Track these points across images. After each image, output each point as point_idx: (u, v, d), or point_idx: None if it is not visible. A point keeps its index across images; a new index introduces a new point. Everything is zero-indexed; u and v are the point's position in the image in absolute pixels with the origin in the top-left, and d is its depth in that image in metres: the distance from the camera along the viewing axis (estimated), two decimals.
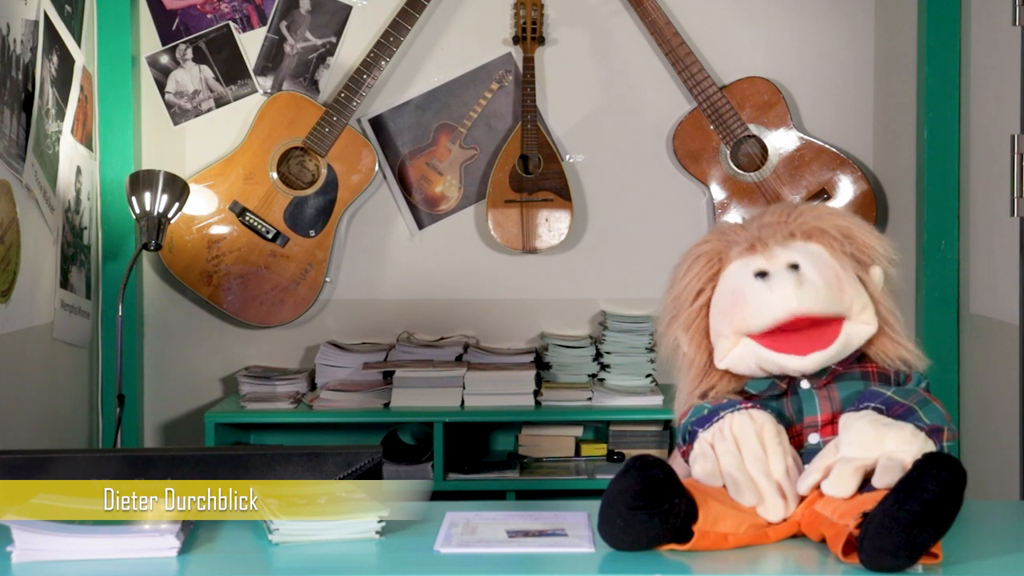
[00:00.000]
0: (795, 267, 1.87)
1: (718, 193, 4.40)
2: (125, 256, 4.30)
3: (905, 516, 1.59)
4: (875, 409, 1.82)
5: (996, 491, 3.65)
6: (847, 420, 1.82)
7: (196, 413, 4.44)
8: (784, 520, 1.80)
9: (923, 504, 1.59)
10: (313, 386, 4.37)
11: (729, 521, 1.74)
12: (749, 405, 1.87)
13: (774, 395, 1.91)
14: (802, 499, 1.81)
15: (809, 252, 1.89)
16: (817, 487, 1.79)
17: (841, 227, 1.93)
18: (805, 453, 1.86)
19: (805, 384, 1.90)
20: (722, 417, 1.86)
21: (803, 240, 1.91)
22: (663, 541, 1.72)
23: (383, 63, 4.34)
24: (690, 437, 1.90)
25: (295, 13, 4.47)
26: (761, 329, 1.86)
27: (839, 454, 1.78)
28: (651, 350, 4.34)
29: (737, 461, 1.81)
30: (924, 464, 1.62)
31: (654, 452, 4.19)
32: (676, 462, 2.03)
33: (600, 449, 4.34)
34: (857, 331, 1.88)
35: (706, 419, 1.88)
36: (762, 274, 1.88)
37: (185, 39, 4.46)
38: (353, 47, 4.45)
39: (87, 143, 4.22)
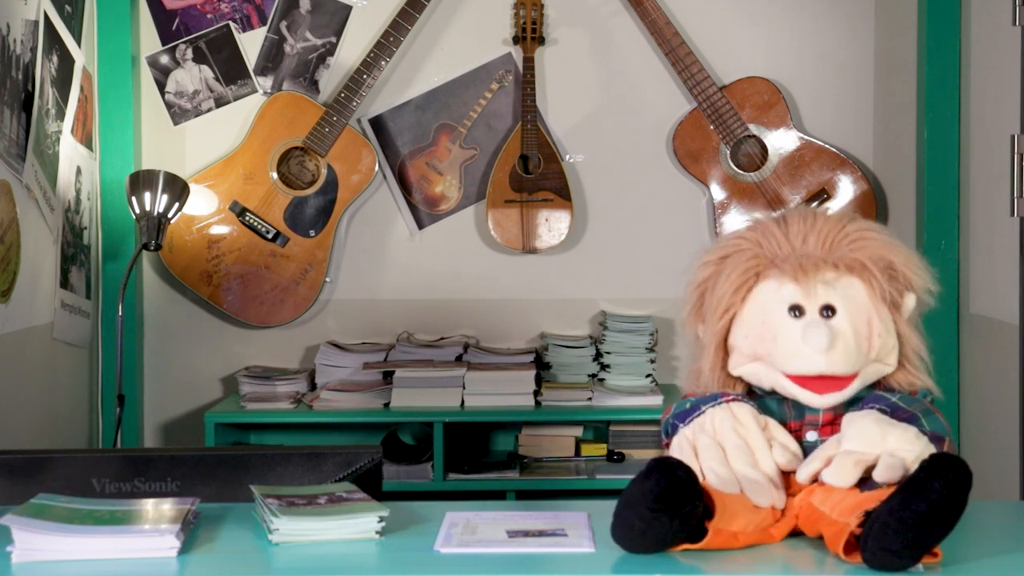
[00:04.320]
0: (831, 310, 1.86)
1: (718, 193, 4.41)
2: (125, 256, 4.30)
3: (911, 516, 1.60)
4: (880, 411, 1.83)
5: (996, 491, 3.65)
6: (851, 417, 1.82)
7: (196, 413, 4.44)
8: (782, 512, 1.80)
9: (929, 504, 1.59)
10: (313, 386, 4.37)
11: (741, 520, 1.74)
12: (731, 398, 1.87)
13: (778, 396, 1.91)
14: (797, 491, 1.81)
15: (848, 293, 1.87)
16: (815, 480, 1.79)
17: (885, 261, 1.90)
18: (802, 450, 1.87)
19: None
20: (703, 411, 1.87)
21: (846, 273, 1.89)
22: (678, 543, 1.72)
23: (383, 63, 4.34)
24: (672, 431, 1.90)
25: (295, 13, 4.47)
26: (784, 372, 1.86)
27: (841, 447, 1.79)
28: (651, 350, 4.34)
29: (719, 455, 1.81)
30: (931, 464, 1.63)
31: (654, 452, 4.20)
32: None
33: (600, 449, 4.34)
34: (876, 370, 1.89)
35: (687, 413, 1.88)
36: (797, 309, 1.87)
37: (185, 39, 4.46)
38: (353, 47, 4.45)
39: (87, 143, 4.22)
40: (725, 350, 1.93)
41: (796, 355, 1.85)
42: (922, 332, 1.94)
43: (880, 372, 1.90)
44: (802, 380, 1.86)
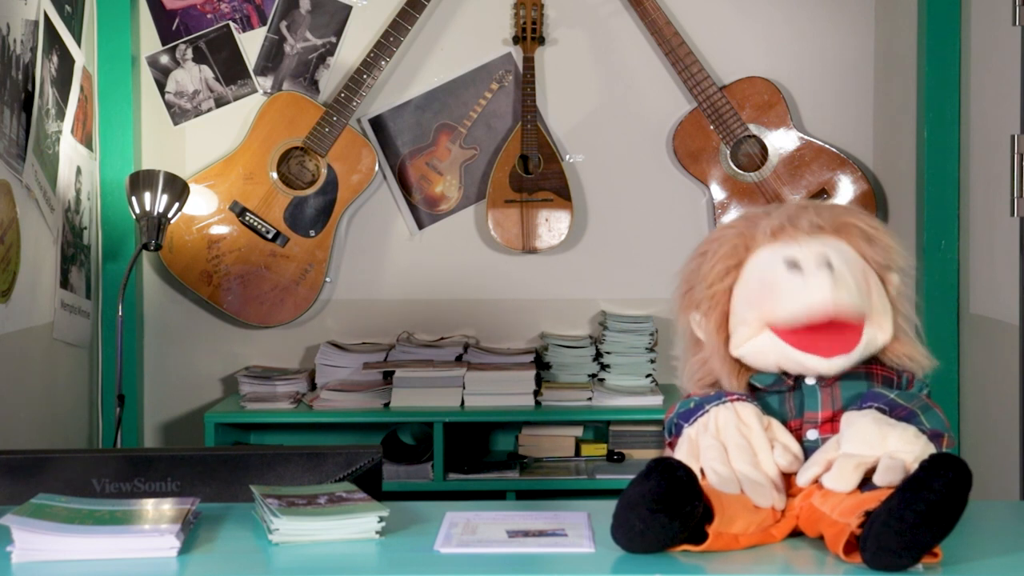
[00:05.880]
0: (827, 261, 1.86)
1: (718, 193, 4.41)
2: (125, 256, 4.30)
3: (911, 516, 1.60)
4: (878, 409, 1.83)
5: (996, 491, 3.65)
6: (850, 417, 1.82)
7: (196, 413, 4.44)
8: (781, 512, 1.80)
9: (929, 504, 1.59)
10: (313, 386, 4.37)
11: (741, 521, 1.74)
12: (735, 397, 1.87)
13: (778, 390, 1.91)
14: (797, 492, 1.81)
15: (839, 248, 1.88)
16: (815, 481, 1.79)
17: (868, 224, 1.92)
18: (802, 449, 1.87)
19: (810, 380, 1.89)
20: (707, 411, 1.86)
21: (832, 235, 1.90)
22: (678, 543, 1.72)
23: (383, 63, 4.34)
24: (676, 430, 1.90)
25: (295, 13, 4.47)
26: (791, 323, 1.84)
27: (841, 450, 1.78)
28: (651, 350, 4.34)
29: (721, 455, 1.80)
30: (931, 464, 1.63)
31: (654, 452, 4.20)
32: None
33: (600, 449, 4.34)
34: (875, 336, 1.88)
35: (691, 412, 1.88)
36: (793, 265, 1.86)
37: (185, 39, 4.46)
38: (353, 47, 4.45)
39: (87, 143, 4.22)
40: (725, 332, 1.92)
41: (802, 298, 1.83)
42: (912, 306, 1.94)
43: (878, 340, 1.88)
44: (809, 343, 1.85)
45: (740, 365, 1.92)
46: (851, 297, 1.84)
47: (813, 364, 1.85)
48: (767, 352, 1.88)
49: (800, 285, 1.84)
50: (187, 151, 4.49)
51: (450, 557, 1.75)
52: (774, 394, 1.91)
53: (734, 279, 1.91)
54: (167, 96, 4.48)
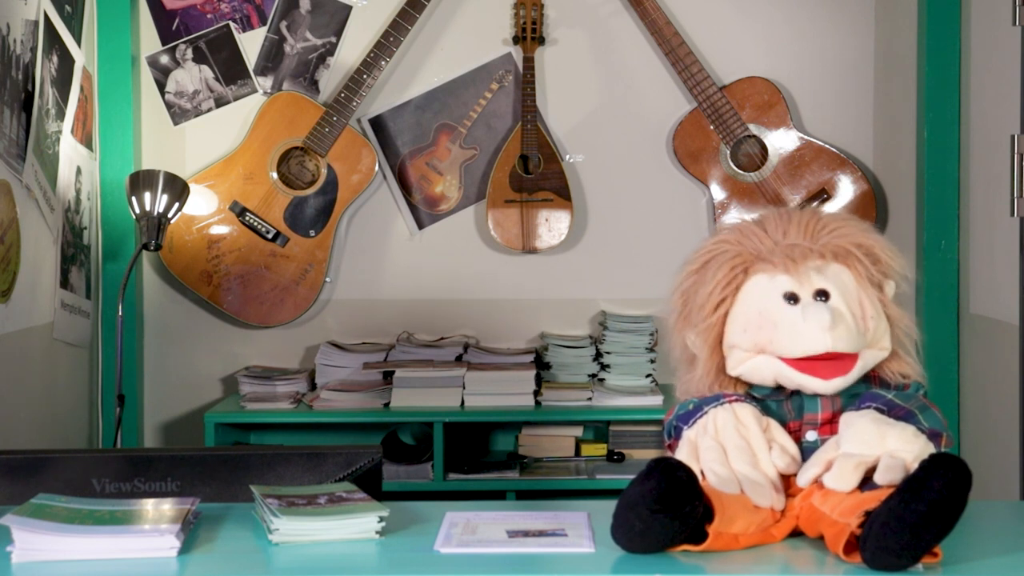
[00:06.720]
0: (825, 295, 1.87)
1: (718, 193, 4.41)
2: (125, 256, 4.30)
3: (910, 516, 1.60)
4: (877, 410, 1.83)
5: (996, 491, 3.65)
6: (849, 418, 1.82)
7: (196, 413, 4.44)
8: (781, 512, 1.80)
9: (929, 504, 1.60)
10: (313, 386, 4.37)
11: (741, 521, 1.74)
12: (733, 399, 1.88)
13: (777, 399, 1.91)
14: (797, 492, 1.82)
15: (838, 279, 1.89)
16: (816, 481, 1.80)
17: (865, 247, 1.93)
18: (801, 450, 1.87)
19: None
20: (706, 412, 1.87)
21: (832, 260, 1.90)
22: (678, 543, 1.72)
23: (383, 63, 4.35)
24: (675, 433, 1.91)
25: (295, 13, 4.47)
26: (789, 357, 1.86)
27: (840, 450, 1.79)
28: (651, 350, 4.34)
29: (720, 456, 1.81)
30: (930, 464, 1.63)
31: (654, 452, 4.20)
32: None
33: (600, 449, 4.34)
34: (873, 356, 1.89)
35: (691, 414, 1.88)
36: (791, 297, 1.87)
37: (185, 39, 4.46)
38: (353, 47, 4.45)
39: (87, 143, 4.22)
40: (720, 354, 1.93)
41: (800, 336, 1.84)
42: (911, 318, 1.95)
43: (877, 358, 1.90)
44: (807, 366, 1.86)
45: (737, 381, 1.93)
46: (849, 336, 1.85)
47: (812, 385, 1.87)
48: (763, 370, 1.89)
49: (798, 320, 1.85)
50: (187, 151, 4.49)
51: (450, 557, 1.75)
52: (773, 399, 1.91)
53: (730, 305, 1.91)
54: (167, 96, 4.48)
